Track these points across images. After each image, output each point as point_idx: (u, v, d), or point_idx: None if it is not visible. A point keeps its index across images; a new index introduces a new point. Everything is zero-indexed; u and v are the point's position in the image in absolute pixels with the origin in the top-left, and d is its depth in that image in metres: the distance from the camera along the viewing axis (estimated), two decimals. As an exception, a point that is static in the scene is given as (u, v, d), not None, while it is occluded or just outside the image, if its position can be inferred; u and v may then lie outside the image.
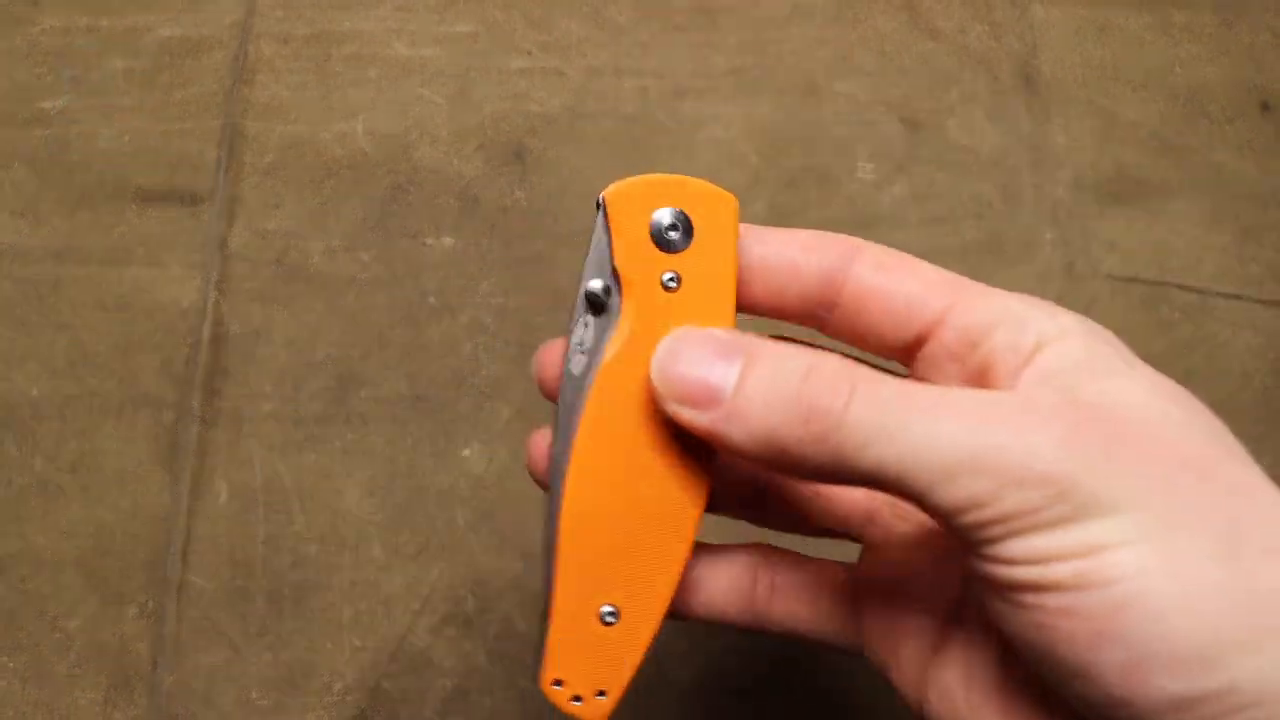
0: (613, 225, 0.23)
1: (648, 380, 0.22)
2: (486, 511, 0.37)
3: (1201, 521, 0.20)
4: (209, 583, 0.36)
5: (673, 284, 0.23)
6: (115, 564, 0.36)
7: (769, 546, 0.26)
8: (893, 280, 0.24)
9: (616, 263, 0.24)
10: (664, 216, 0.23)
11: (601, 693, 0.23)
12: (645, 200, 0.23)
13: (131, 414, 0.38)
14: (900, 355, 0.25)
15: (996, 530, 0.19)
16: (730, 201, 0.23)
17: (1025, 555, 0.19)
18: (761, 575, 0.25)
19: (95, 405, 0.38)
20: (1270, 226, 0.42)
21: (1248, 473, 0.22)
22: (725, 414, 0.21)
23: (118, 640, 0.35)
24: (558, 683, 0.23)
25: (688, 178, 0.23)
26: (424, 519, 0.37)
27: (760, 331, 0.23)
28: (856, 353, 0.23)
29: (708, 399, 0.21)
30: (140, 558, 0.36)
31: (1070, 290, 0.41)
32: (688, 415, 0.21)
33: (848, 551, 0.26)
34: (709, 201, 0.23)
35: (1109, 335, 0.23)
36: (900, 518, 0.25)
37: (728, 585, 0.25)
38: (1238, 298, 0.41)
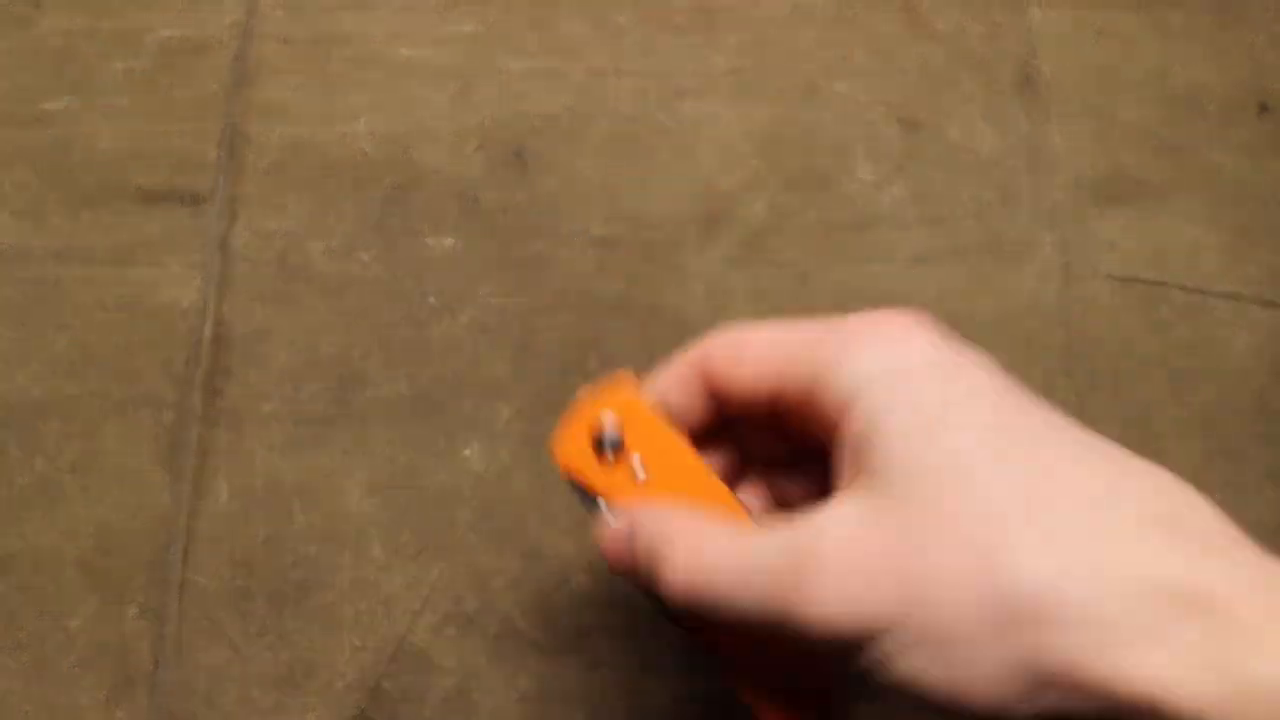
0: (574, 471, 0.28)
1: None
2: (487, 511, 0.37)
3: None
4: (210, 582, 0.36)
5: (640, 473, 0.27)
6: (116, 563, 0.36)
7: None
8: (734, 375, 0.26)
9: (598, 492, 0.28)
10: (599, 442, 0.27)
11: None
12: (579, 437, 0.27)
13: (133, 414, 0.38)
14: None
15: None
16: (623, 378, 0.28)
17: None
18: None
19: (96, 405, 0.38)
20: (1268, 227, 0.42)
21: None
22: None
23: (119, 639, 0.35)
24: None
25: (581, 403, 0.28)
26: (424, 519, 0.37)
27: None
28: None
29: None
30: (141, 557, 0.36)
31: (1069, 290, 0.41)
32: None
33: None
34: (613, 401, 0.27)
35: (908, 346, 0.24)
36: None
37: None
38: (1236, 298, 0.41)
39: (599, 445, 0.27)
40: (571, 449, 0.27)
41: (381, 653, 0.36)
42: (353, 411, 0.38)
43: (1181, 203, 0.42)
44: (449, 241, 0.41)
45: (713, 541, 0.24)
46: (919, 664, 0.21)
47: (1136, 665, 0.19)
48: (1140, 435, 0.39)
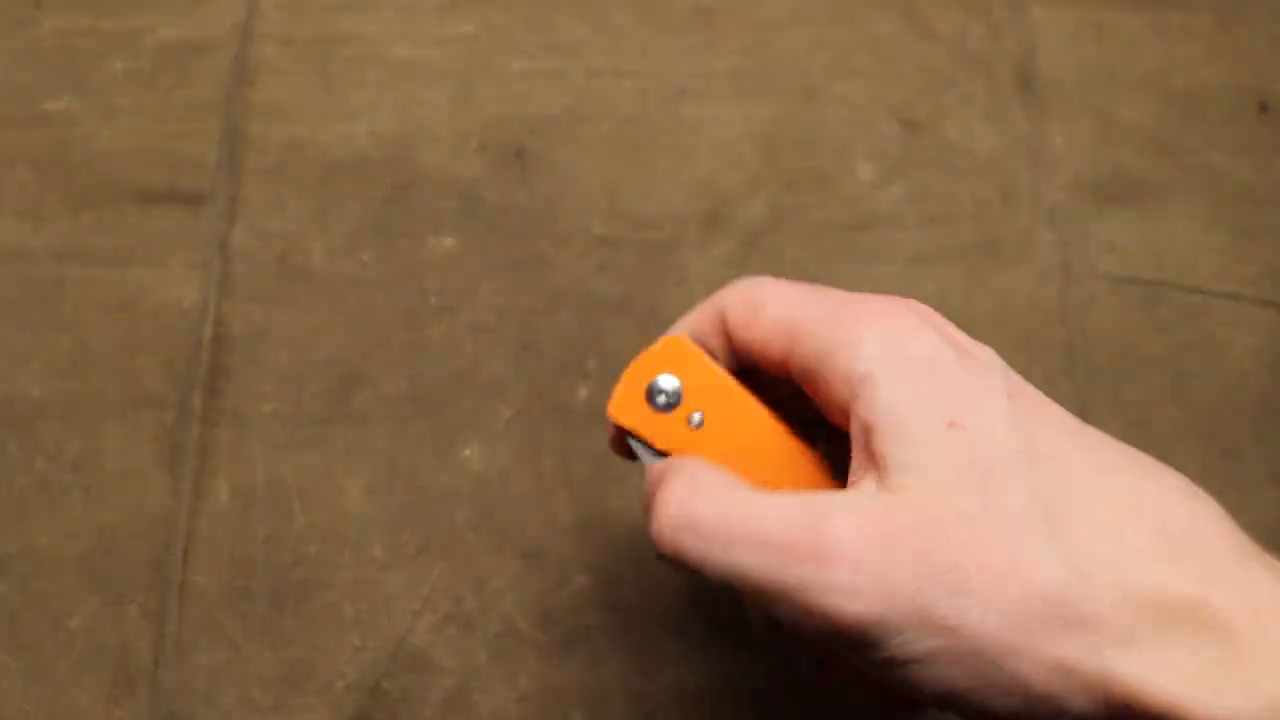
0: (631, 428, 0.27)
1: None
2: (487, 511, 0.37)
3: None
4: (210, 582, 0.36)
5: (698, 423, 0.27)
6: (117, 563, 0.36)
7: None
8: (748, 333, 0.26)
9: (660, 447, 0.27)
10: (655, 393, 0.27)
11: None
12: (635, 391, 0.27)
13: (133, 414, 0.38)
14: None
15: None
16: (679, 341, 0.27)
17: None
18: None
19: (97, 405, 0.38)
20: (1268, 227, 0.42)
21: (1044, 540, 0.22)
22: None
23: (119, 639, 0.35)
24: None
25: (641, 355, 0.27)
26: (425, 518, 0.37)
27: None
28: None
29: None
30: (142, 557, 0.36)
31: (1069, 290, 0.41)
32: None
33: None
34: (669, 354, 0.27)
35: (920, 337, 0.24)
36: None
37: None
38: (1235, 298, 0.41)
39: (655, 400, 0.27)
40: (627, 404, 0.27)
41: (381, 653, 0.36)
42: (353, 411, 0.38)
43: (1181, 203, 0.42)
44: (449, 241, 0.41)
45: (714, 495, 0.24)
46: (940, 663, 0.21)
47: (1152, 674, 0.20)
48: (1140, 435, 0.39)
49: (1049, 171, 0.42)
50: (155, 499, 0.37)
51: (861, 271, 0.41)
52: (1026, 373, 0.39)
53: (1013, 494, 0.21)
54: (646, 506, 0.25)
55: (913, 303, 0.24)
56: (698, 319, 0.28)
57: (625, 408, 0.27)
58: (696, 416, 0.27)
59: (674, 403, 0.27)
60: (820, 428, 0.26)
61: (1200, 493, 0.22)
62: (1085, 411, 0.39)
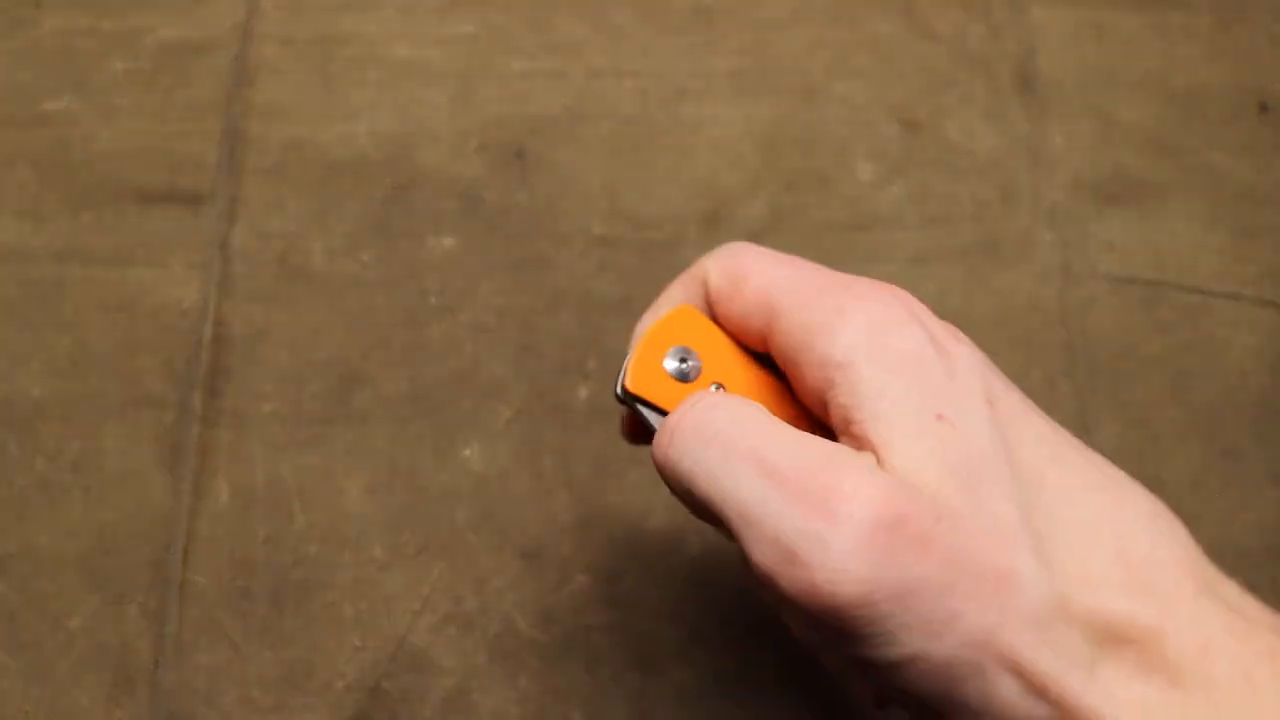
0: (654, 399, 0.26)
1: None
2: (487, 511, 0.37)
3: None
4: (210, 582, 0.36)
5: (716, 391, 0.26)
6: (117, 563, 0.36)
7: None
8: (729, 305, 0.26)
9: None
10: (676, 363, 0.26)
11: None
12: (653, 363, 0.26)
13: (133, 414, 0.38)
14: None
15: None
16: (689, 311, 0.26)
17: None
18: None
19: (97, 405, 0.38)
20: (1267, 227, 0.42)
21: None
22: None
23: (119, 639, 0.35)
24: None
25: (653, 325, 0.26)
26: (425, 518, 0.37)
27: None
28: None
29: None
30: (142, 557, 0.36)
31: (1069, 290, 0.41)
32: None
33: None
34: (682, 322, 0.26)
35: (904, 331, 0.23)
36: None
37: None
38: (1235, 298, 0.41)
39: (677, 370, 0.26)
40: (645, 376, 0.26)
41: (381, 653, 0.36)
42: (353, 411, 0.38)
43: (1181, 203, 0.42)
44: (449, 241, 0.41)
45: (736, 409, 0.23)
46: (915, 666, 0.20)
47: (1107, 705, 0.20)
48: (1140, 435, 0.39)
49: (1049, 171, 0.42)
50: (155, 499, 0.37)
51: (861, 271, 0.40)
52: (1026, 373, 0.40)
53: (999, 500, 0.21)
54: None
55: (897, 291, 0.24)
56: (682, 288, 0.27)
57: (644, 380, 0.26)
58: (715, 386, 0.26)
59: (694, 373, 0.26)
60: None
61: (1165, 516, 0.22)
62: (1085, 411, 0.39)
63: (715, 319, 0.26)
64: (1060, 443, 0.22)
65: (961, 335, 0.24)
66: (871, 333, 0.22)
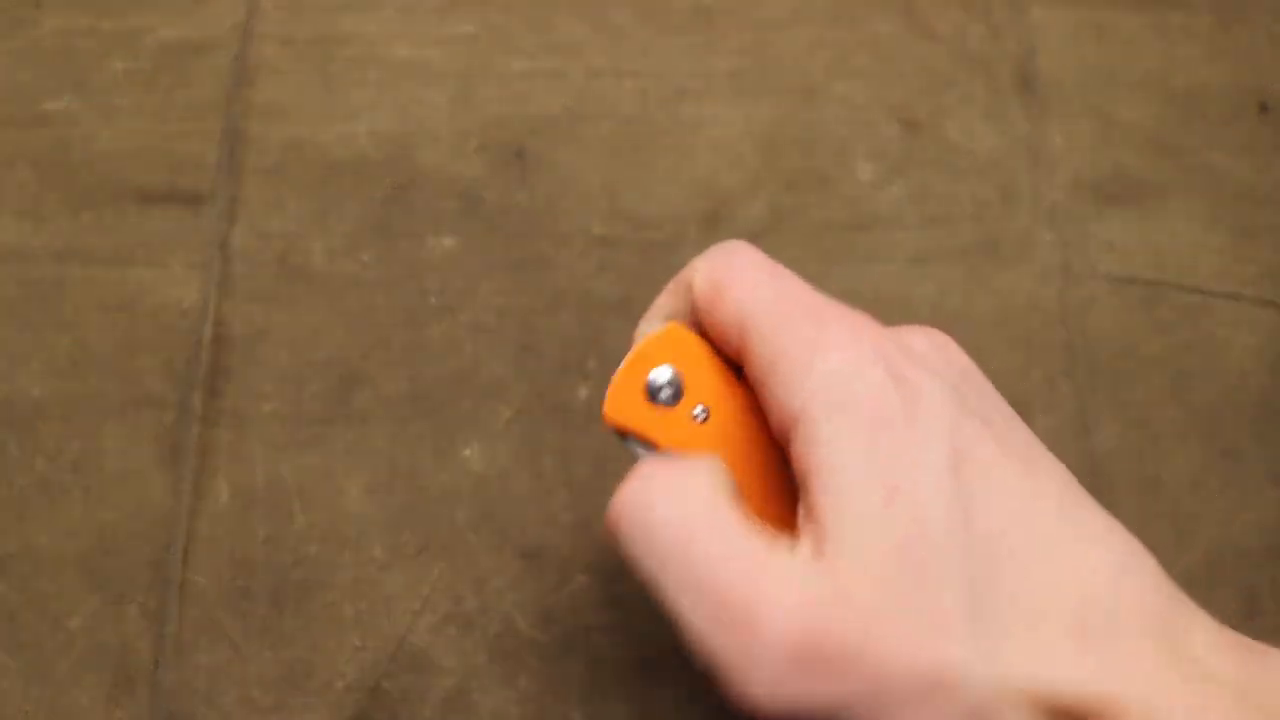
0: (632, 429, 0.25)
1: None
2: (487, 511, 0.37)
3: None
4: (210, 582, 0.36)
5: (701, 417, 0.25)
6: (117, 563, 0.36)
7: None
8: (709, 317, 0.25)
9: (664, 447, 0.26)
10: (655, 389, 0.25)
11: None
12: (632, 389, 0.25)
13: (133, 414, 0.38)
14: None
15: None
16: (674, 331, 0.25)
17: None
18: None
19: (97, 405, 0.38)
20: (1267, 227, 0.42)
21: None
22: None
23: (119, 639, 0.35)
24: None
25: (633, 349, 0.25)
26: (425, 518, 0.37)
27: None
28: None
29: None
30: (142, 557, 0.36)
31: (1068, 290, 0.41)
32: None
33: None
34: (665, 344, 0.25)
35: (866, 377, 0.22)
36: None
37: None
38: (1235, 298, 0.41)
39: (657, 396, 0.25)
40: (624, 403, 0.25)
41: (381, 653, 0.36)
42: (353, 411, 0.38)
43: (1181, 203, 0.42)
44: (449, 241, 0.41)
45: (679, 498, 0.22)
46: None
47: None
48: (1140, 435, 0.39)
49: (1049, 171, 0.42)
50: (155, 499, 0.37)
51: (861, 271, 0.41)
52: (1026, 373, 0.40)
53: (944, 585, 0.20)
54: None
55: (865, 327, 0.23)
56: (672, 295, 0.26)
57: (622, 407, 0.25)
58: (700, 410, 0.25)
59: (676, 396, 0.25)
60: None
61: (1133, 566, 0.21)
62: (1085, 411, 0.39)
63: (702, 331, 0.25)
64: (1033, 495, 0.22)
65: (941, 368, 0.23)
66: (832, 382, 0.22)
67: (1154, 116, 0.44)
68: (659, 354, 0.25)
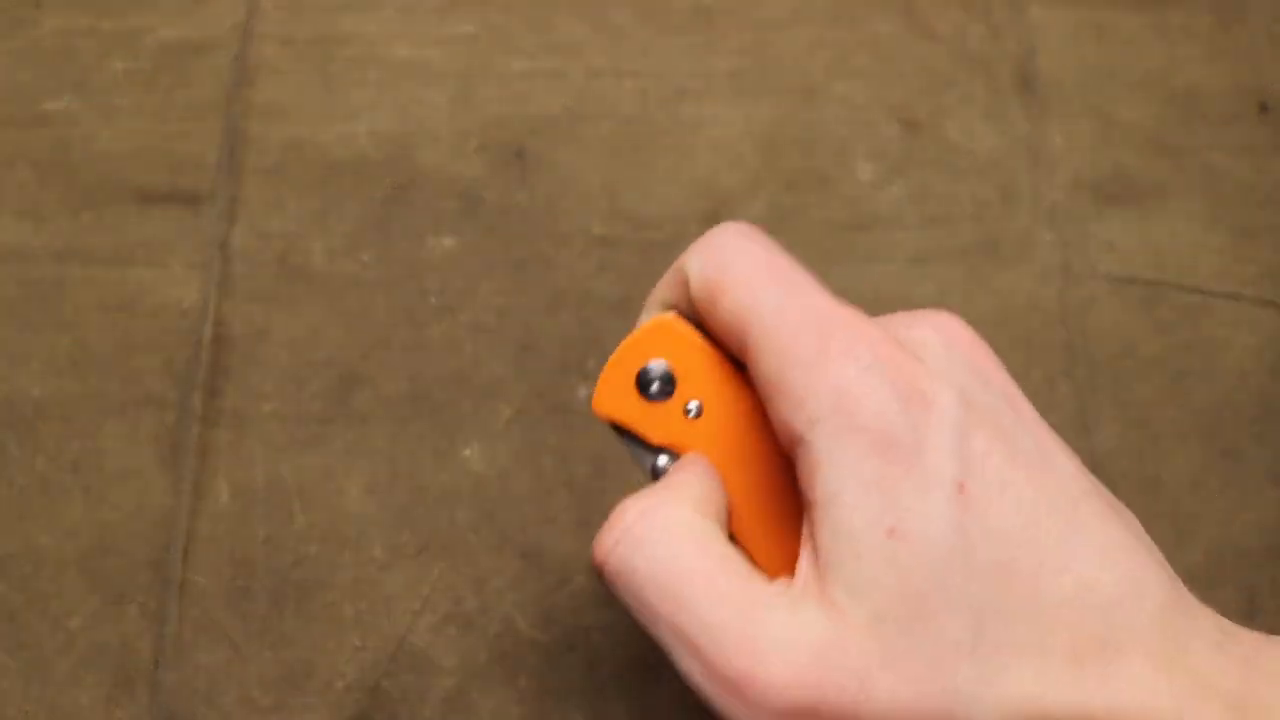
0: (621, 422, 0.25)
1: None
2: (487, 511, 0.37)
3: None
4: (210, 582, 0.36)
5: (695, 412, 0.24)
6: (117, 563, 0.36)
7: None
8: (707, 317, 0.24)
9: (655, 442, 0.25)
10: (647, 382, 0.24)
11: None
12: (622, 382, 0.24)
13: (133, 414, 0.38)
14: None
15: None
16: (667, 322, 0.24)
17: None
18: None
19: (97, 405, 0.38)
20: (1267, 227, 0.42)
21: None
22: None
23: (119, 639, 0.35)
24: None
25: (625, 340, 0.24)
26: (425, 518, 0.37)
27: None
28: None
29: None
30: (142, 557, 0.36)
31: (1068, 290, 0.41)
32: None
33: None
34: (657, 337, 0.24)
35: (874, 398, 0.21)
36: None
37: None
38: (1235, 298, 0.41)
39: (647, 389, 0.24)
40: (614, 396, 0.25)
41: (381, 653, 0.36)
42: (353, 411, 0.38)
43: (1181, 203, 0.42)
44: (449, 241, 0.41)
45: (667, 543, 0.22)
46: None
47: None
48: (1140, 435, 0.39)
49: (1049, 171, 0.42)
50: (155, 499, 0.37)
51: (861, 271, 0.41)
52: (1026, 373, 0.40)
53: (947, 619, 0.20)
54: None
55: (873, 340, 0.22)
56: (668, 289, 0.25)
57: (612, 400, 0.25)
58: (694, 405, 0.24)
59: (668, 390, 0.24)
60: None
61: (1135, 569, 0.21)
62: (1085, 411, 0.39)
63: (701, 326, 0.25)
64: (1039, 510, 0.21)
65: (952, 369, 0.22)
66: (836, 407, 0.21)
67: (1154, 116, 0.44)
68: (651, 346, 0.24)
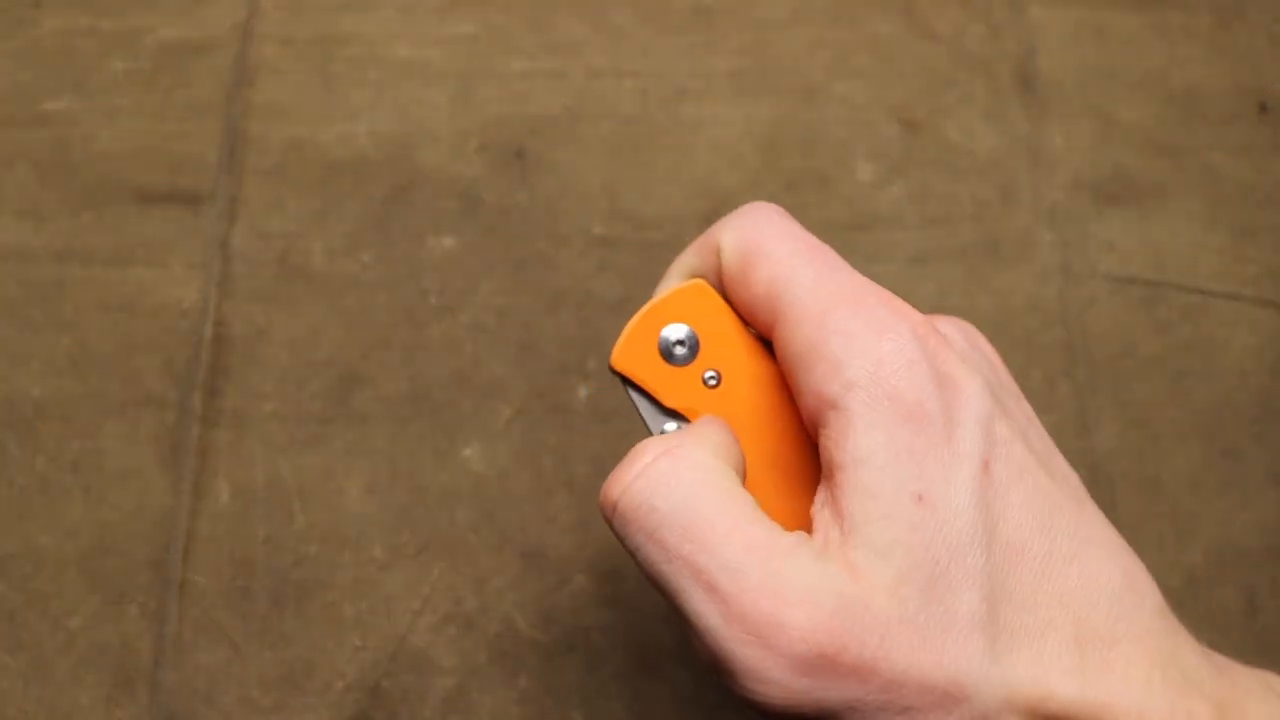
0: (639, 380, 0.24)
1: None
2: (487, 511, 0.37)
3: None
4: (210, 582, 0.36)
5: (713, 381, 0.24)
6: (117, 563, 0.36)
7: None
8: (737, 289, 0.24)
9: (669, 405, 0.25)
10: (669, 344, 0.24)
11: None
12: (645, 341, 0.24)
13: (133, 414, 0.38)
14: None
15: None
16: (699, 288, 0.24)
17: None
18: None
19: (97, 405, 0.38)
20: (1267, 227, 0.42)
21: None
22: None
23: (119, 639, 0.35)
24: None
25: (654, 300, 0.24)
26: (425, 518, 0.37)
27: None
28: None
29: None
30: (142, 557, 0.36)
31: (1068, 290, 0.41)
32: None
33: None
34: (686, 301, 0.24)
35: (910, 374, 0.22)
36: None
37: None
38: (1235, 298, 0.41)
39: (669, 351, 0.24)
40: (635, 353, 0.24)
41: (381, 653, 0.36)
42: (353, 411, 0.38)
43: (1181, 203, 0.42)
44: (449, 241, 0.41)
45: (688, 486, 0.22)
46: None
47: None
48: (1140, 435, 0.39)
49: (1049, 171, 0.42)
50: (155, 499, 0.37)
51: (861, 271, 0.40)
52: (1026, 373, 0.40)
53: (963, 592, 0.20)
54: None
55: (913, 319, 0.22)
56: (697, 255, 0.25)
57: (632, 357, 0.24)
58: (712, 373, 0.24)
59: (690, 356, 0.24)
60: None
61: (1135, 587, 0.22)
62: (1085, 411, 0.39)
63: (727, 299, 0.25)
64: (1054, 501, 0.22)
65: (978, 362, 0.23)
66: (874, 374, 0.21)
67: (1154, 116, 0.44)
68: (679, 310, 0.24)
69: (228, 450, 0.38)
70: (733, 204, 0.41)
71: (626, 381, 0.25)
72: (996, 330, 0.40)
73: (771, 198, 0.41)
